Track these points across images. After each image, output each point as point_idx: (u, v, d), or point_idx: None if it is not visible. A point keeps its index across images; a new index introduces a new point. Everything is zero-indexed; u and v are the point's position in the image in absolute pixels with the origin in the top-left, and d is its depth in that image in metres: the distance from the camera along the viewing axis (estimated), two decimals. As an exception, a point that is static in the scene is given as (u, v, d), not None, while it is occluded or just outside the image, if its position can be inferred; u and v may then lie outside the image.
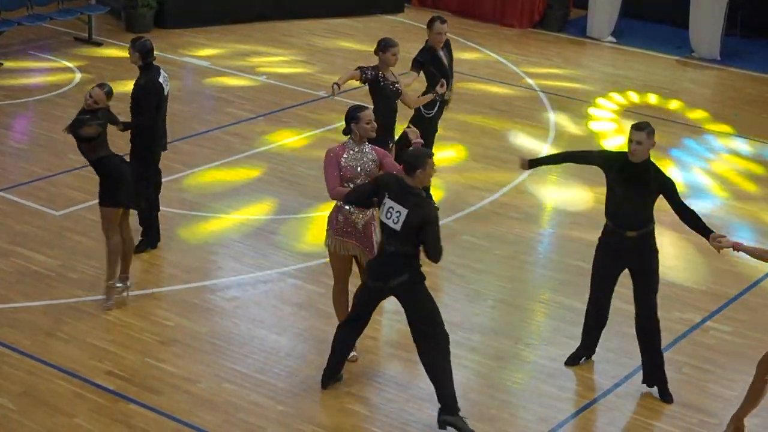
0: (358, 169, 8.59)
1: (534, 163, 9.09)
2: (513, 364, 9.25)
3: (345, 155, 8.61)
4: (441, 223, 11.48)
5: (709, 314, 10.14)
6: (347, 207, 8.56)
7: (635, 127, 8.37)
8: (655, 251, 8.57)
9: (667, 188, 8.40)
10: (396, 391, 8.80)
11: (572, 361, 9.11)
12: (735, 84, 17.11)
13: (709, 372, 9.23)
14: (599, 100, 15.93)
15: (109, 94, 9.70)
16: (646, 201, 8.45)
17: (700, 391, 8.91)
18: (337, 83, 10.56)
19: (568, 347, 9.33)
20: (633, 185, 8.38)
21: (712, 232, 8.28)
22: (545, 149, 13.90)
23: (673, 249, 11.11)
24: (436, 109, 11.45)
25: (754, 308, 10.29)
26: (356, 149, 8.64)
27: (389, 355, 9.34)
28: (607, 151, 8.65)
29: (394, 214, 7.97)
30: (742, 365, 9.28)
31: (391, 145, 10.89)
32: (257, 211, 11.79)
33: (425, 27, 11.60)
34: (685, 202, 8.46)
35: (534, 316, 10.07)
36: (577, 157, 9.03)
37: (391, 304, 10.11)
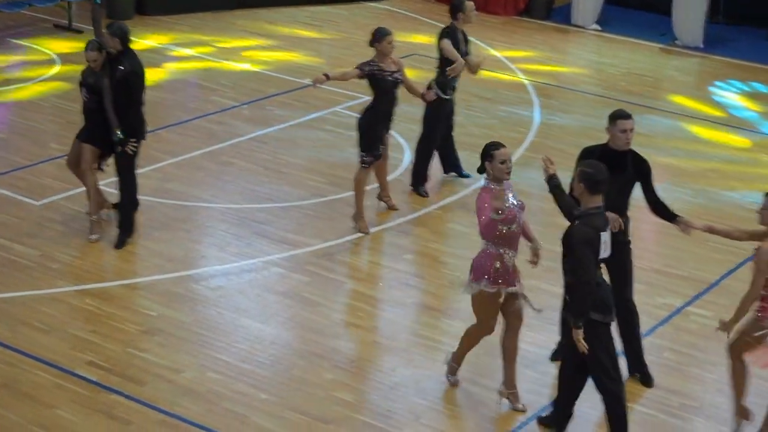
0: (514, 205, 8.02)
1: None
2: (496, 350, 9.19)
3: (493, 197, 7.94)
4: (426, 211, 11.69)
5: (689, 299, 10.16)
6: (506, 253, 8.05)
7: (622, 116, 8.35)
8: (629, 242, 8.60)
9: (645, 172, 8.43)
10: (381, 378, 8.79)
11: (556, 356, 9.07)
12: (718, 71, 17.11)
13: (689, 356, 9.25)
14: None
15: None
16: (627, 187, 8.45)
17: (681, 375, 8.92)
18: (327, 74, 10.79)
19: (551, 333, 9.32)
20: (614, 173, 8.32)
21: (678, 216, 8.38)
22: (530, 137, 13.90)
23: (653, 235, 11.12)
24: (453, 90, 11.83)
25: (735, 293, 10.26)
26: (501, 187, 8.01)
27: (374, 343, 9.32)
28: (585, 149, 8.60)
29: (607, 244, 7.53)
30: (722, 349, 9.28)
31: (387, 135, 11.05)
32: (241, 200, 11.75)
33: (449, 7, 11.86)
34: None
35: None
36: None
37: (376, 292, 10.11)
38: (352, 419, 8.21)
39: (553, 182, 7.75)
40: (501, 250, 8.03)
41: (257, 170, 12.52)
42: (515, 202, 8.03)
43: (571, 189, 7.64)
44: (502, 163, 7.89)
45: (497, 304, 8.19)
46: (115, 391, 8.43)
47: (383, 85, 10.89)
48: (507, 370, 8.37)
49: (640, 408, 8.47)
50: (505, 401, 8.32)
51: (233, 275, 10.25)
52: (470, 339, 8.48)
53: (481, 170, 8.02)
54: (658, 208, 8.57)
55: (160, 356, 8.90)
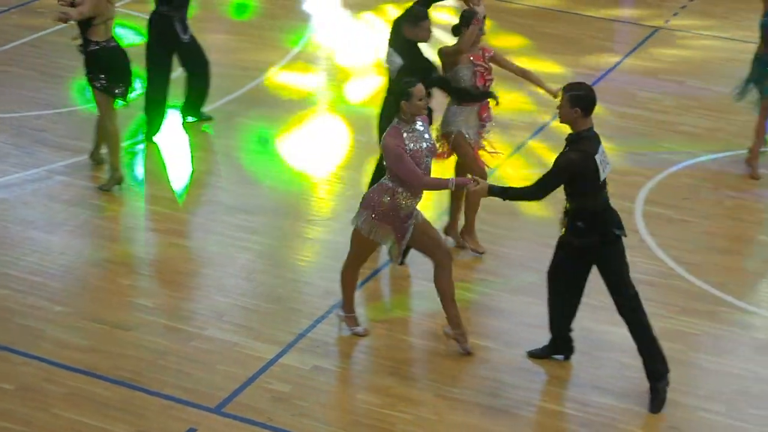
0: (423, 148, 7.53)
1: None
2: (296, 242, 9.25)
3: (406, 139, 7.48)
4: (215, 106, 11.46)
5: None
6: (401, 191, 7.53)
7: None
8: None
9: None
10: (181, 280, 8.69)
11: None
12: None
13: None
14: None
15: None
16: None
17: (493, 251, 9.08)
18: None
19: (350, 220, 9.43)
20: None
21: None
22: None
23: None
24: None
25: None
26: (410, 128, 7.52)
27: (171, 245, 9.16)
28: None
29: (604, 163, 7.22)
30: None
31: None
32: (18, 108, 11.26)
33: None
34: None
35: (314, 192, 10.08)
36: None
37: (168, 193, 9.92)
38: (154, 324, 8.07)
39: (495, 190, 7.33)
40: (395, 186, 7.53)
41: (33, 76, 12.03)
42: (428, 145, 7.61)
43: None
44: (420, 99, 7.46)
45: (370, 244, 7.76)
46: None
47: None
48: (448, 311, 7.83)
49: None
50: (453, 342, 7.89)
51: (16, 186, 9.85)
52: (350, 276, 7.95)
53: (395, 110, 7.53)
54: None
55: (-56, 276, 8.52)
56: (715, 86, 12.43)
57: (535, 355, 7.87)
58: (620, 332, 7.73)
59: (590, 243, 7.32)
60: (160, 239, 9.26)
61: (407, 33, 8.66)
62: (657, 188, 10.23)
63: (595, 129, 7.19)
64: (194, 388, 7.39)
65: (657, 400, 7.43)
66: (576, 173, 7.13)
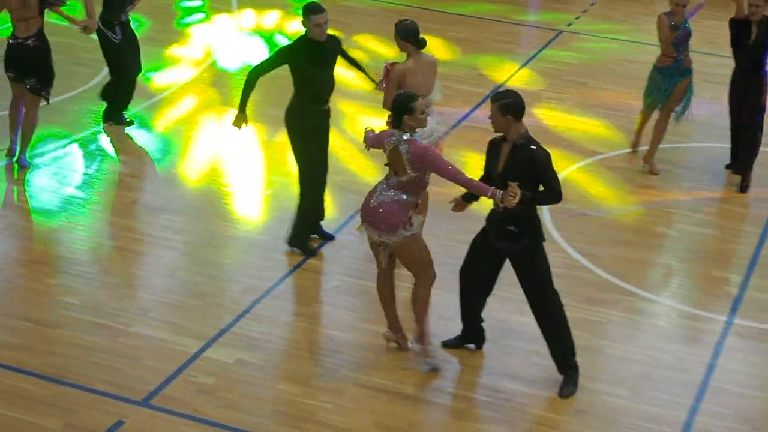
0: None
1: None
2: (218, 240, 9.41)
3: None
4: (135, 110, 11.57)
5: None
6: (417, 200, 7.62)
7: (315, 11, 8.58)
8: None
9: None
10: (107, 278, 8.81)
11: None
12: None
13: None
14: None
15: None
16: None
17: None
18: None
19: (274, 220, 9.68)
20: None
21: None
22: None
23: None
24: (121, 36, 10.97)
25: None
26: (419, 136, 7.69)
27: (98, 245, 9.29)
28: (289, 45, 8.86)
29: None
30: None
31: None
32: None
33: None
34: None
35: (236, 191, 10.28)
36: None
37: (92, 195, 10.03)
38: (81, 321, 8.19)
39: (528, 198, 7.37)
40: (417, 198, 7.65)
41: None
42: None
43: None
44: (422, 113, 7.50)
45: (423, 241, 7.73)
46: None
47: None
48: (387, 315, 8.02)
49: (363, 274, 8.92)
50: (394, 344, 8.07)
51: (-64, 196, 9.90)
52: (423, 303, 7.85)
53: (396, 125, 7.53)
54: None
55: None
56: (615, 86, 12.93)
57: (448, 344, 8.14)
58: (528, 322, 8.00)
59: (525, 246, 7.48)
60: (86, 240, 9.36)
61: (307, 30, 8.64)
62: (562, 184, 10.56)
63: (503, 129, 7.49)
64: (122, 382, 7.52)
65: (571, 388, 7.71)
66: None
